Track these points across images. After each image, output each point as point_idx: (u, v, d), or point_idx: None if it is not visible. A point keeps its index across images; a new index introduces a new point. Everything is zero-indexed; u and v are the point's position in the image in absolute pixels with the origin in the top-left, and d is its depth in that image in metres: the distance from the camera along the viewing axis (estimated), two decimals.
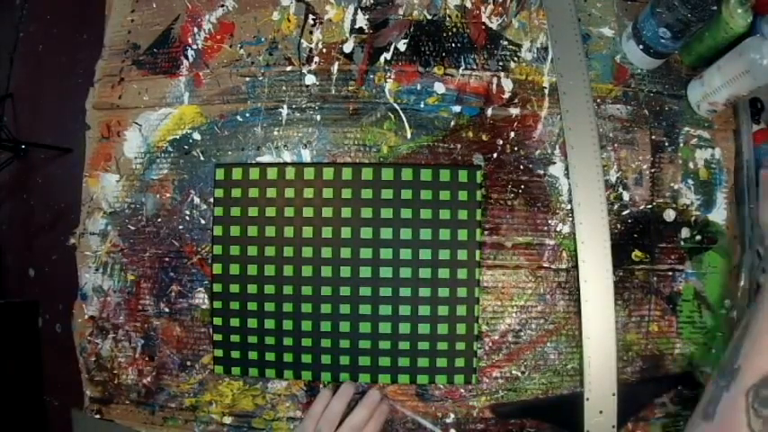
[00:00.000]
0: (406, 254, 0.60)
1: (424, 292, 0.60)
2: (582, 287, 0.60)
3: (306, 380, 0.61)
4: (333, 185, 0.61)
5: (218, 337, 0.61)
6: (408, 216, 0.60)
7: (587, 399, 0.59)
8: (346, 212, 0.61)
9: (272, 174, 0.62)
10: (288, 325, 0.60)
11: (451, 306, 0.60)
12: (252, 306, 0.61)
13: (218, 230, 0.62)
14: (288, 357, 0.60)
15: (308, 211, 0.61)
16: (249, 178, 0.62)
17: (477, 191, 0.61)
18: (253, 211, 0.62)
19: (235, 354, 0.61)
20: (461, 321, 0.60)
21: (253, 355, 0.61)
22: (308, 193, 0.61)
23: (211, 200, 0.63)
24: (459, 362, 0.60)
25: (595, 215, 0.61)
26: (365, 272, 0.60)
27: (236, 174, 0.62)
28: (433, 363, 0.59)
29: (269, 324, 0.60)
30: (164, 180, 0.65)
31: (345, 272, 0.60)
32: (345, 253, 0.60)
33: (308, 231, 0.61)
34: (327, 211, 0.61)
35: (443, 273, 0.60)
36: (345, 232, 0.60)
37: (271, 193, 0.62)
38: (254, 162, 0.63)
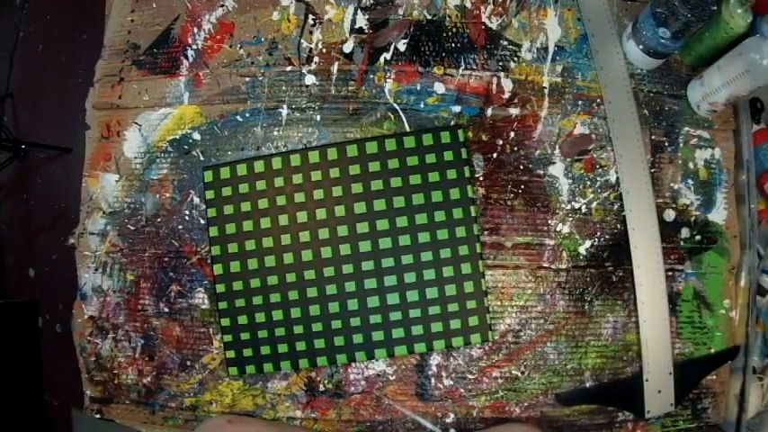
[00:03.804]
0: (402, 221, 0.60)
1: (426, 256, 0.60)
2: (635, 272, 0.61)
3: (322, 365, 0.61)
4: (320, 168, 0.62)
5: (227, 339, 0.61)
6: (399, 184, 0.61)
7: (647, 380, 0.60)
8: (337, 191, 0.61)
9: (259, 167, 0.62)
10: (296, 312, 0.60)
11: (455, 266, 0.60)
12: (257, 300, 0.61)
13: (213, 231, 0.62)
14: (301, 346, 0.60)
15: (299, 197, 0.61)
16: (237, 175, 0.62)
17: (461, 149, 0.61)
18: (245, 206, 0.62)
19: (247, 352, 0.61)
20: (468, 279, 0.60)
21: (265, 349, 0.61)
22: (297, 179, 0.62)
23: None
24: (473, 320, 0.60)
25: (644, 202, 0.62)
26: (365, 246, 0.60)
27: (224, 173, 0.62)
28: (447, 326, 0.59)
29: (277, 315, 0.60)
30: (163, 180, 0.65)
31: (345, 249, 0.60)
32: (342, 231, 0.61)
33: (302, 216, 0.61)
34: (318, 193, 0.61)
35: (442, 234, 0.60)
36: (339, 210, 0.61)
37: (261, 185, 0.62)
38: (239, 159, 0.63)
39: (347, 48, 0.65)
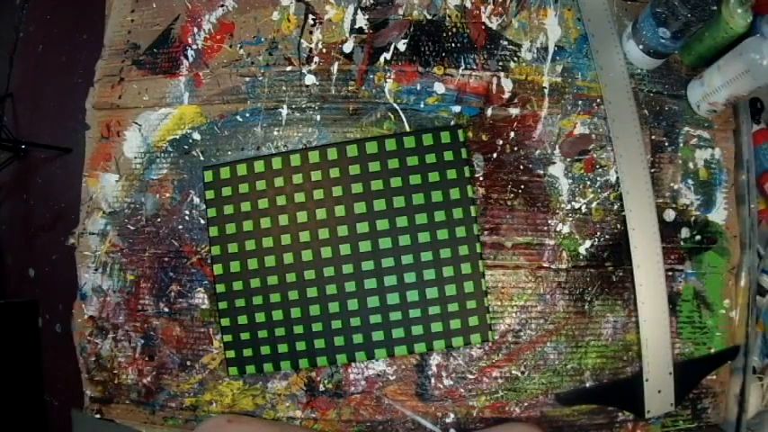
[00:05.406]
0: (402, 221, 0.60)
1: (426, 256, 0.60)
2: (635, 272, 0.61)
3: (322, 366, 0.61)
4: (320, 168, 0.62)
5: (227, 339, 0.61)
6: (399, 184, 0.61)
7: (647, 380, 0.60)
8: (337, 191, 0.61)
9: (259, 167, 0.62)
10: (296, 312, 0.60)
11: (455, 266, 0.60)
12: (257, 300, 0.61)
13: (213, 231, 0.62)
14: (301, 346, 0.60)
15: (299, 197, 0.61)
16: (237, 175, 0.62)
17: (461, 149, 0.61)
18: (245, 206, 0.62)
19: (247, 352, 0.61)
20: (468, 279, 0.60)
21: (265, 349, 0.60)
22: (297, 179, 0.62)
23: None
24: (473, 320, 0.60)
25: (644, 202, 0.62)
26: (365, 246, 0.60)
27: (224, 173, 0.62)
28: (447, 326, 0.59)
29: (277, 315, 0.60)
30: (163, 180, 0.65)
31: (345, 249, 0.60)
32: (342, 231, 0.61)
33: (302, 216, 0.61)
34: (318, 193, 0.61)
35: (442, 234, 0.60)
36: (339, 210, 0.61)
37: (261, 185, 0.62)
38: (239, 159, 0.63)
39: (347, 48, 0.65)
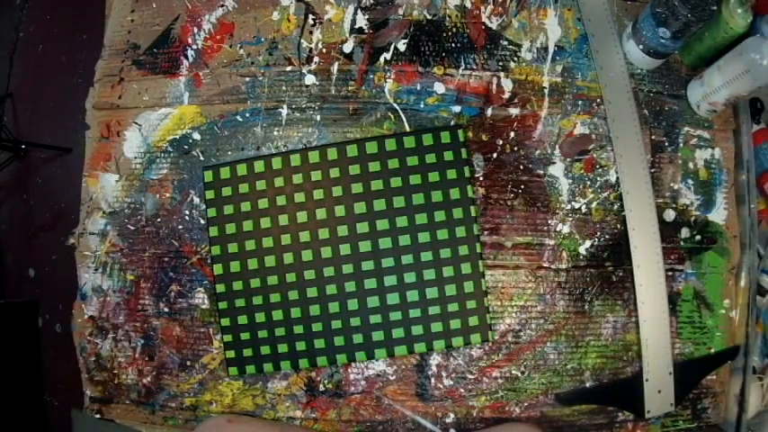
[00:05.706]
0: (402, 221, 0.60)
1: (426, 256, 0.60)
2: (635, 272, 0.61)
3: (322, 366, 0.61)
4: (320, 168, 0.62)
5: (227, 339, 0.61)
6: (399, 184, 0.61)
7: (647, 380, 0.60)
8: (337, 191, 0.61)
9: (259, 167, 0.62)
10: (296, 312, 0.60)
11: (455, 266, 0.60)
12: (257, 300, 0.61)
13: (213, 231, 0.62)
14: (301, 346, 0.60)
15: (299, 197, 0.61)
16: (237, 175, 0.62)
17: (461, 149, 0.61)
18: (245, 206, 0.62)
19: (247, 352, 0.61)
20: (468, 279, 0.60)
21: (265, 349, 0.61)
22: (297, 179, 0.62)
23: None
24: (473, 320, 0.60)
25: (644, 202, 0.62)
26: (365, 246, 0.60)
27: (224, 173, 0.62)
28: (447, 326, 0.59)
29: (277, 315, 0.60)
30: (163, 180, 0.65)
31: (345, 249, 0.60)
32: (342, 231, 0.61)
33: (302, 216, 0.61)
34: (318, 193, 0.61)
35: (442, 234, 0.60)
36: (339, 210, 0.61)
37: (261, 185, 0.62)
38: (239, 159, 0.63)
39: (347, 48, 0.65)
